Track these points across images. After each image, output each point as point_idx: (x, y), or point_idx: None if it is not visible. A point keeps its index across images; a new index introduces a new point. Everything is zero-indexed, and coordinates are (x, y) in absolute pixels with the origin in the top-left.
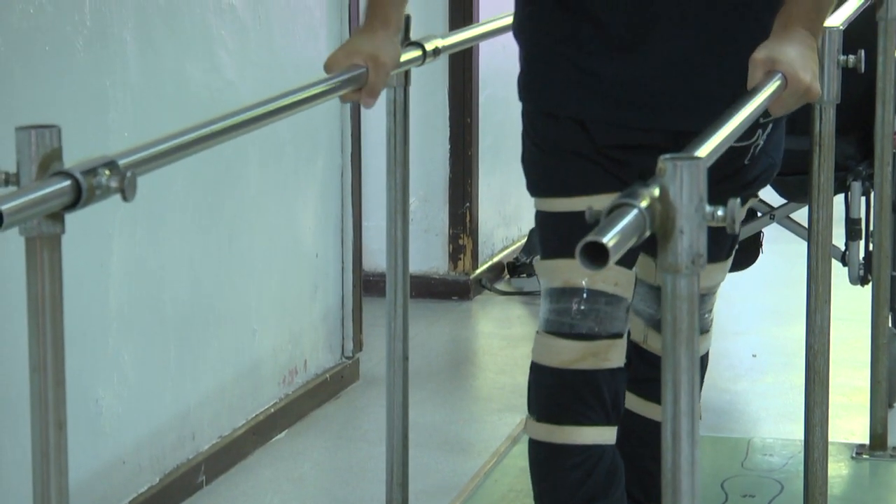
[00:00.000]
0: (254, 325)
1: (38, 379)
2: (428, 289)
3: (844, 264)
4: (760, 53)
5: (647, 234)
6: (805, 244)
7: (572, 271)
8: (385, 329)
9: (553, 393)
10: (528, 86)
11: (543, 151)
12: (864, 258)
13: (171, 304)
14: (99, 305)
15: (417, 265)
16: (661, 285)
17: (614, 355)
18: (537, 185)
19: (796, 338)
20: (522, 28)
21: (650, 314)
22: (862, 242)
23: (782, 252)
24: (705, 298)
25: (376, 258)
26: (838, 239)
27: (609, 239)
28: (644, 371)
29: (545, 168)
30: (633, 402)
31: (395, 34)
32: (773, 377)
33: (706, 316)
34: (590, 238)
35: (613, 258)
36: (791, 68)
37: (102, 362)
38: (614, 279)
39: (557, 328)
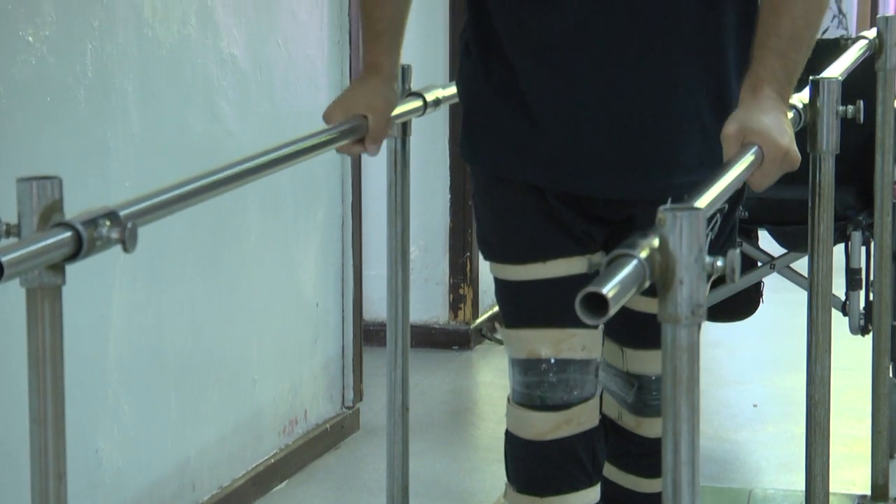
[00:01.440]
0: (254, 374)
1: (38, 430)
2: (428, 338)
3: (845, 314)
4: (731, 127)
5: (647, 284)
6: (805, 294)
7: (536, 341)
8: (385, 379)
9: (532, 466)
10: (473, 147)
11: (495, 215)
12: (864, 308)
13: (172, 354)
14: (99, 355)
15: (418, 314)
16: (629, 370)
17: (587, 417)
18: (491, 251)
19: (797, 387)
20: (464, 82)
21: (621, 397)
22: (862, 292)
23: (783, 301)
24: (646, 382)
25: (377, 307)
26: (838, 289)
27: (609, 290)
28: (621, 445)
29: (498, 233)
30: (611, 473)
31: (391, 81)
32: (774, 427)
33: (652, 402)
34: (590, 289)
35: (613, 309)
36: (765, 138)
37: (102, 413)
38: (581, 344)
39: (528, 401)
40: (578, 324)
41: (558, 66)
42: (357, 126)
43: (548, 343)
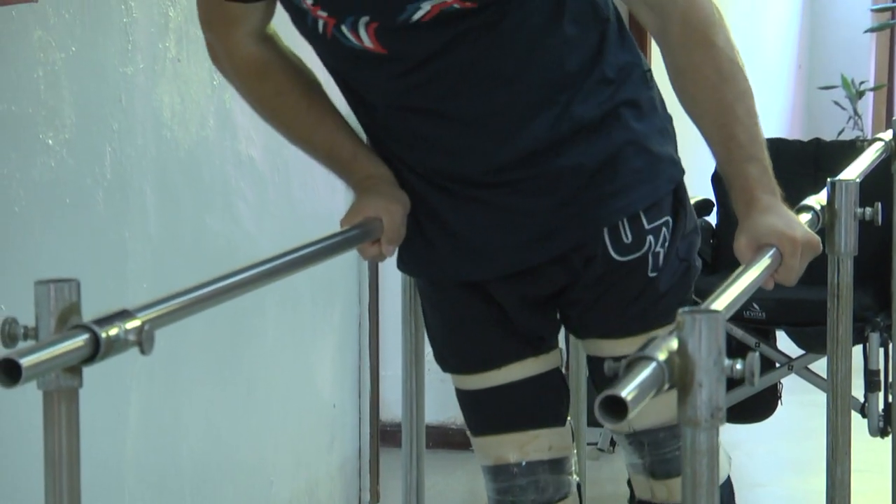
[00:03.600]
0: (270, 475)
1: None
2: (445, 439)
3: (864, 416)
4: (741, 241)
5: (666, 387)
6: (824, 395)
7: (502, 447)
8: (402, 480)
9: None
10: (399, 254)
11: (443, 324)
12: (883, 409)
13: (188, 454)
14: (115, 457)
15: (434, 415)
16: (635, 430)
17: None
18: (446, 363)
19: (817, 490)
20: None
21: (640, 465)
22: (881, 394)
23: (801, 403)
24: (655, 438)
25: (393, 408)
26: (857, 390)
27: (628, 393)
28: None
29: (450, 345)
30: None
31: (391, 179)
32: None
33: (669, 455)
34: (608, 392)
35: (633, 412)
36: (777, 236)
37: None
38: (547, 444)
39: None
40: (541, 424)
41: (415, 161)
42: (372, 228)
43: (513, 447)
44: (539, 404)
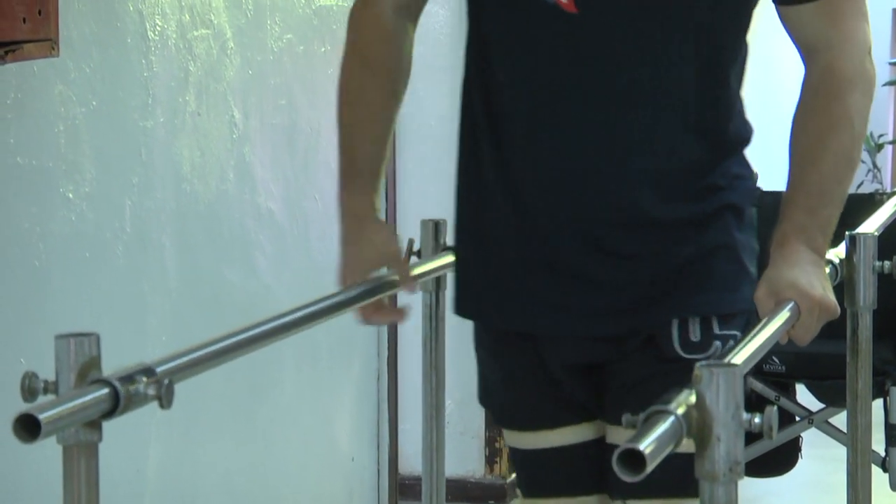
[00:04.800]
0: None
1: None
2: (464, 492)
3: (885, 470)
4: (761, 290)
5: (684, 441)
6: (844, 449)
7: None
8: None
9: None
10: (456, 296)
11: (499, 377)
12: None
13: None
14: None
15: (454, 468)
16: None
17: None
18: (500, 417)
19: None
20: (459, 220)
21: None
22: None
23: (821, 457)
24: None
25: (412, 461)
26: (878, 444)
27: (646, 446)
28: None
29: (504, 398)
30: None
31: (388, 225)
32: None
33: None
34: (627, 446)
35: (651, 465)
36: (797, 291)
37: None
38: None
39: None
40: (590, 490)
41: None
42: (382, 284)
43: None
44: (591, 470)
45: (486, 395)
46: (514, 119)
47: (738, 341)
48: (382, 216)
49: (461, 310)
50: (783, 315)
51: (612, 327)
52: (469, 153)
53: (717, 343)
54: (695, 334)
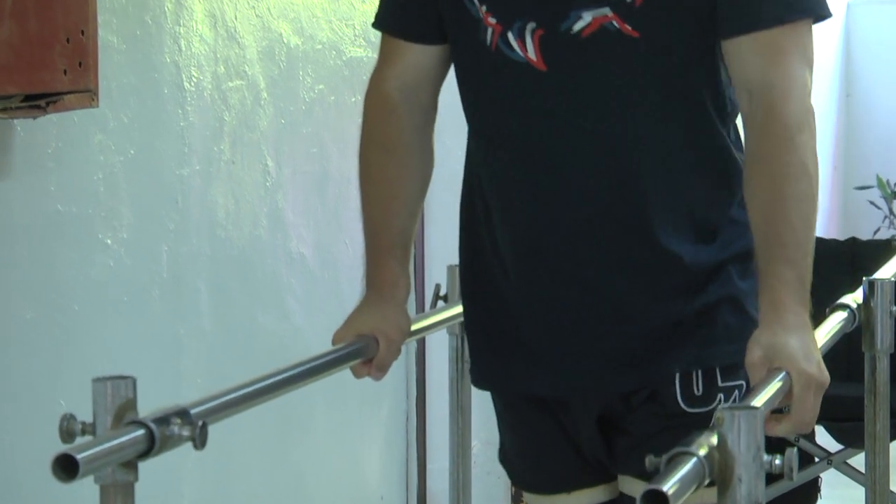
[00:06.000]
0: None
1: None
2: None
3: None
4: (756, 354)
5: (707, 481)
6: (863, 489)
7: None
8: None
9: None
10: (471, 367)
11: (516, 440)
12: None
13: None
14: None
15: None
16: None
17: None
18: (518, 479)
19: None
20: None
21: None
22: None
23: (840, 497)
24: None
25: (440, 500)
26: (895, 485)
27: (670, 487)
28: None
29: (522, 461)
30: None
31: (404, 304)
32: None
33: None
34: (651, 486)
35: None
36: (794, 364)
37: None
38: None
39: None
40: None
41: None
42: (367, 347)
43: None
44: None
45: (505, 457)
46: (495, 176)
47: (743, 391)
48: (408, 286)
49: (474, 381)
50: (775, 385)
51: (615, 384)
52: (468, 215)
53: (721, 395)
54: (698, 388)
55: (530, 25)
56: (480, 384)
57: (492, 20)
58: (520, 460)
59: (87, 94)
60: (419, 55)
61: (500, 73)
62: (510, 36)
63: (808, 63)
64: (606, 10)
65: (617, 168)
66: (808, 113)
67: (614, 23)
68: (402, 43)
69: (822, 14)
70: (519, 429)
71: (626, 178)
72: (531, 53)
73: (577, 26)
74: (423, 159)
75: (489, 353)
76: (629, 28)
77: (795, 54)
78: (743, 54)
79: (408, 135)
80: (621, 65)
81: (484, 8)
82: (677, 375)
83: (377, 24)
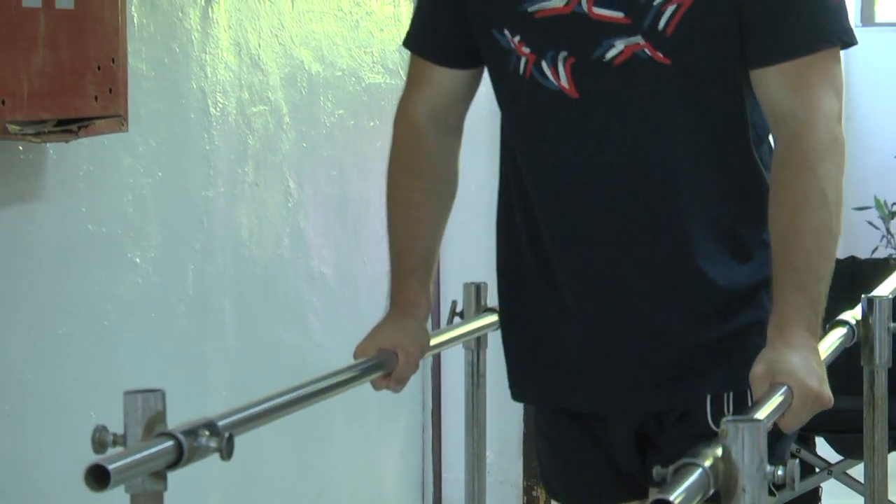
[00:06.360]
0: None
1: None
2: None
3: None
4: (759, 369)
5: (711, 491)
6: (862, 499)
7: None
8: None
9: None
10: (510, 380)
11: (554, 454)
12: None
13: None
14: None
15: None
16: None
17: None
18: (555, 493)
19: None
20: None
21: None
22: None
23: None
24: None
25: None
26: (893, 495)
27: (676, 496)
28: None
29: (559, 475)
30: None
31: (424, 321)
32: None
33: None
34: (659, 496)
35: None
36: (795, 380)
37: None
38: None
39: None
40: None
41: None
42: (387, 361)
43: None
44: None
45: (543, 472)
46: (537, 199)
47: None
48: (429, 304)
49: (514, 395)
50: (776, 400)
51: (648, 404)
52: (506, 233)
53: None
54: (728, 409)
55: (562, 54)
56: (518, 397)
57: (525, 50)
58: (557, 475)
59: (117, 119)
60: (448, 79)
61: (534, 100)
62: (543, 64)
63: (836, 91)
64: (638, 39)
65: (652, 194)
66: (835, 142)
67: (646, 50)
68: (432, 66)
69: (848, 41)
70: (556, 441)
71: (662, 204)
72: (564, 81)
73: (610, 54)
74: (449, 183)
75: (527, 366)
76: (661, 56)
77: (821, 84)
78: (769, 84)
79: (435, 159)
80: (653, 91)
81: (517, 38)
82: (709, 397)
83: (408, 44)
